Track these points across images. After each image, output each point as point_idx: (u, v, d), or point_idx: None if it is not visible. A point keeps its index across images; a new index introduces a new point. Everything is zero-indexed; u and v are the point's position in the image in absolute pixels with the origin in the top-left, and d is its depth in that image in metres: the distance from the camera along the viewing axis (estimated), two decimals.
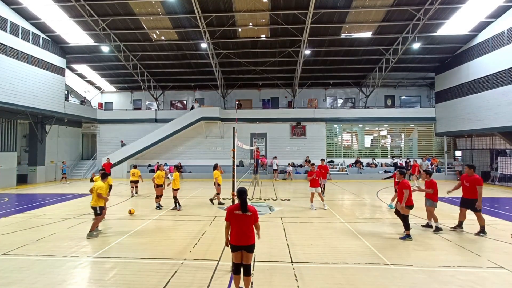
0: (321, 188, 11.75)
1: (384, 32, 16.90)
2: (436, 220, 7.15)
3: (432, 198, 7.22)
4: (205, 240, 6.42)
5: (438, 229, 7.05)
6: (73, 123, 21.11)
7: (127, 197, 12.33)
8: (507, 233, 6.96)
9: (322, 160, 13.61)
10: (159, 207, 9.87)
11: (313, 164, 10.46)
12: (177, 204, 9.70)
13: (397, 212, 6.86)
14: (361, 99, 23.58)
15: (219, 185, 10.47)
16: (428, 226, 7.35)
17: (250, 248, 3.89)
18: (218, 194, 10.60)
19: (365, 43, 17.95)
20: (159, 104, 24.43)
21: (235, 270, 3.97)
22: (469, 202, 6.94)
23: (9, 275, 4.69)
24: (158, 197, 9.95)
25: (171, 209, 9.63)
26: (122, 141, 21.90)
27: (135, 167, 13.23)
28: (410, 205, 6.61)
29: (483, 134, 17.83)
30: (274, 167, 19.97)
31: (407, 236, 6.47)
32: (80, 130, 22.48)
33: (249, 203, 4.03)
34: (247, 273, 3.90)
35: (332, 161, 21.29)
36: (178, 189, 9.72)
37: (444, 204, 10.30)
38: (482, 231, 6.84)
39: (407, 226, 6.53)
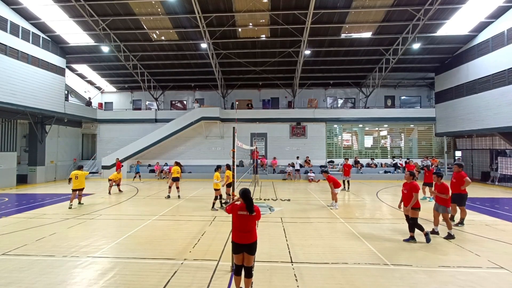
0: (347, 184, 14.11)
1: (384, 32, 16.90)
2: (450, 228, 6.63)
3: (444, 204, 6.66)
4: (205, 240, 6.41)
5: (450, 236, 6.53)
6: (73, 123, 21.11)
7: (127, 198, 12.32)
8: (507, 233, 6.98)
9: (346, 159, 15.39)
10: (178, 196, 11.77)
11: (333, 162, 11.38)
12: (221, 202, 9.74)
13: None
14: (361, 99, 23.57)
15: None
16: (434, 232, 6.78)
17: (252, 249, 3.88)
18: None
19: (365, 43, 17.95)
20: (159, 104, 24.42)
21: (236, 271, 3.98)
22: (455, 197, 7.51)
23: (9, 275, 4.69)
24: (177, 188, 11.87)
25: (220, 207, 9.61)
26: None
27: (80, 168, 10.59)
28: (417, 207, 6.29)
29: (483, 135, 17.83)
30: (297, 167, 19.60)
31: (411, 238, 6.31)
32: (80, 130, 22.47)
33: None
34: (249, 275, 3.90)
35: (332, 162, 21.28)
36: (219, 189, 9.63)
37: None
38: (460, 223, 7.64)
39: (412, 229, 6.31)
